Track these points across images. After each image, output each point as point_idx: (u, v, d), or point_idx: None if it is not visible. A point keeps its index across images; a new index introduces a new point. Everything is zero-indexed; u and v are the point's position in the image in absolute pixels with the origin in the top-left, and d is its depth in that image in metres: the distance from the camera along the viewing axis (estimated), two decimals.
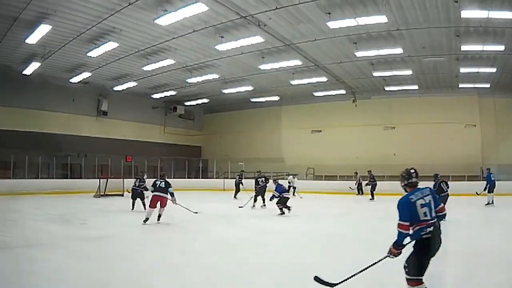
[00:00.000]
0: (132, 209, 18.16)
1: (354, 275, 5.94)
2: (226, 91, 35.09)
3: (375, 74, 29.07)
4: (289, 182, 29.43)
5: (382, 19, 18.53)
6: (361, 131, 36.85)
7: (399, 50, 23.49)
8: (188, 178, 37.56)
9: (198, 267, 8.34)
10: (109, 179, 27.60)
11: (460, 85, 31.62)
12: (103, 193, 26.62)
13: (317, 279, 6.12)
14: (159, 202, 14.03)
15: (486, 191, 21.44)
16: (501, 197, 23.42)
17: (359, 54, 24.36)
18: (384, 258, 5.83)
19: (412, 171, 6.34)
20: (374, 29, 20.68)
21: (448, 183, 17.29)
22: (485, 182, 21.54)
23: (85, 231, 12.70)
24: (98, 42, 22.77)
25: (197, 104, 41.27)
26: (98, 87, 33.90)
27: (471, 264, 8.58)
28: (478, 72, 27.65)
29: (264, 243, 11.30)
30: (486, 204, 20.94)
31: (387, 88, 33.20)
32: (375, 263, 5.91)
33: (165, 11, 18.31)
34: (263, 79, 31.53)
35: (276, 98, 37.99)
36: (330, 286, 6.00)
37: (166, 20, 19.03)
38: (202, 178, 39.28)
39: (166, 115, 41.93)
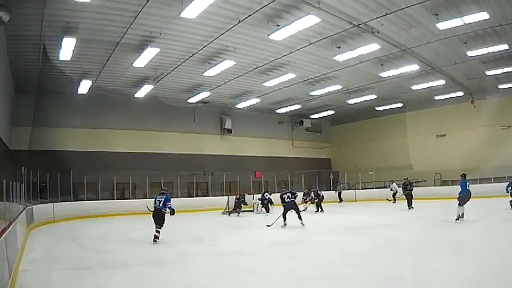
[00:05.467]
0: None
1: None
2: (350, 101, 34.76)
3: (488, 72, 28.13)
4: (391, 189, 31.03)
5: (484, 15, 17.94)
6: (481, 132, 35.21)
7: (505, 46, 22.64)
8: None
9: (329, 280, 8.18)
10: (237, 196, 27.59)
11: None
12: (231, 210, 26.70)
13: None
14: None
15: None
16: None
17: (470, 53, 23.76)
18: None
19: None
20: (479, 26, 19.92)
21: None
22: None
23: (215, 248, 13.05)
24: (213, 61, 23.13)
25: (323, 116, 40.94)
26: (220, 105, 34.53)
27: None
28: None
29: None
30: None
31: (500, 86, 31.87)
32: None
33: (277, 26, 18.35)
34: (385, 86, 31.15)
35: (399, 105, 37.34)
36: None
37: (280, 35, 19.04)
38: (333, 190, 38.26)
39: (293, 129, 41.93)
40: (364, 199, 34.80)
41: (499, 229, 15.03)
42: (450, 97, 34.76)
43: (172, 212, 14.12)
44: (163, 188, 14.92)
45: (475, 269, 8.37)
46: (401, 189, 28.82)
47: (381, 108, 38.51)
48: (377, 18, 18.47)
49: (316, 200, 27.22)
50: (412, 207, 23.82)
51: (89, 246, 13.81)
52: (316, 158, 44.08)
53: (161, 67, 23.77)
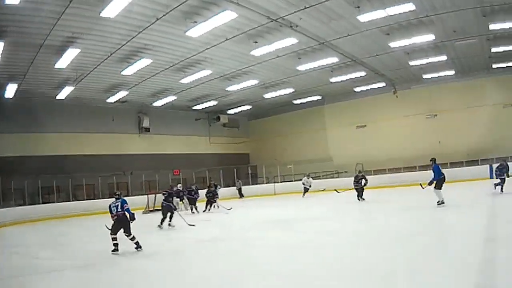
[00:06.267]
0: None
1: None
2: (267, 95, 35.10)
3: (411, 63, 28.77)
4: (303, 184, 29.86)
5: (410, 7, 18.28)
6: (405, 122, 36.66)
7: (431, 37, 23.18)
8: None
9: (264, 276, 8.06)
10: (157, 195, 27.13)
11: (494, 66, 31.10)
12: (152, 209, 26.67)
13: None
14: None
15: None
16: None
17: (393, 44, 24.17)
18: None
19: None
20: (404, 18, 20.38)
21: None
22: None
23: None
24: (131, 60, 22.98)
25: (240, 111, 41.58)
26: (137, 104, 34.31)
27: None
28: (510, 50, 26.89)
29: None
30: None
31: (425, 76, 32.88)
32: None
33: (194, 22, 18.31)
34: (302, 80, 31.34)
35: (318, 97, 37.86)
36: None
37: (196, 31, 19.05)
38: (252, 184, 39.08)
39: (210, 126, 41.94)
40: (284, 192, 35.14)
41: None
42: (371, 88, 35.77)
43: (132, 217, 12.17)
44: (116, 192, 13.27)
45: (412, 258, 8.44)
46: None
47: (299, 101, 39.14)
48: (295, 12, 18.59)
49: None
50: (363, 199, 22.57)
51: (23, 253, 13.47)
52: (234, 154, 44.46)
53: (82, 68, 23.38)
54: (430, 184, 17.22)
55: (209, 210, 24.05)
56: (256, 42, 22.25)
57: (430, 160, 17.89)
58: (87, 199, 29.09)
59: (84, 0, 15.53)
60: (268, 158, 42.56)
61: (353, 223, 15.49)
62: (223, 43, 22.00)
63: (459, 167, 31.00)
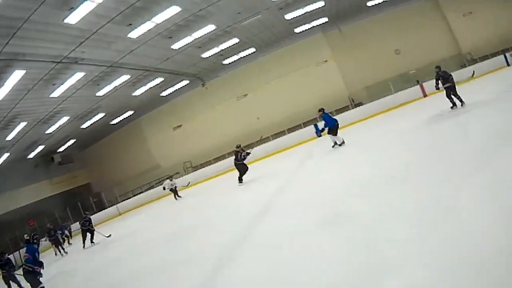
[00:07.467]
0: None
1: None
2: (84, 125, 36.73)
3: (204, 55, 30.53)
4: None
5: (175, 9, 19.86)
6: (219, 110, 39.49)
7: (211, 27, 24.84)
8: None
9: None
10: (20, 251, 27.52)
11: (297, 30, 33.28)
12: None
13: None
14: None
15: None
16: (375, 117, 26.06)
17: (177, 45, 25.91)
18: None
19: None
20: (179, 19, 21.59)
21: None
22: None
23: None
24: None
25: (68, 146, 41.93)
26: None
27: None
28: (307, 12, 28.49)
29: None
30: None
31: (225, 62, 35.27)
32: None
33: None
34: (109, 101, 32.38)
35: (131, 112, 39.74)
36: None
37: (1, 93, 20.99)
38: (99, 211, 38.67)
39: (49, 168, 42.18)
40: (127, 210, 36.36)
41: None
42: (178, 88, 37.70)
43: (41, 266, 10.47)
44: (26, 236, 11.16)
45: None
46: (173, 182, 28.37)
47: (116, 121, 40.33)
48: (75, 48, 19.85)
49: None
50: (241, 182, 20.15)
51: None
52: (77, 187, 45.31)
53: None
54: (322, 131, 18.82)
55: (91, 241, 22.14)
56: (54, 84, 23.74)
57: (319, 111, 18.65)
58: None
59: None
60: (108, 182, 43.84)
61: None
62: (28, 94, 23.22)
63: (283, 135, 33.37)
